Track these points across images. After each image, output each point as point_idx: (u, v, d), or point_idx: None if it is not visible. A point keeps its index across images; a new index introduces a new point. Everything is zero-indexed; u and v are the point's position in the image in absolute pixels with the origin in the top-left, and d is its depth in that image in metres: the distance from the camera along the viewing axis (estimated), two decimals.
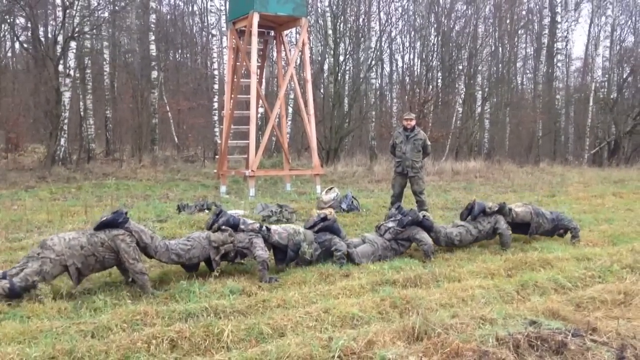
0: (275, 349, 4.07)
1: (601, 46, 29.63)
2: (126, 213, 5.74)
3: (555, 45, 28.89)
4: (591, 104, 28.05)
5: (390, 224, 7.43)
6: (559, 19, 28.65)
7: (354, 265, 6.80)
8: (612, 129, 27.84)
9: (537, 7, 32.04)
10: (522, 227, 8.28)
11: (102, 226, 5.59)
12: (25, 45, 23.62)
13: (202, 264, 6.37)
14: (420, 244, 7.29)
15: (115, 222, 5.58)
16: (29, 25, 21.01)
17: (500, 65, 30.04)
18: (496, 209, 7.96)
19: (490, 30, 29.59)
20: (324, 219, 7.08)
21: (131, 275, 5.59)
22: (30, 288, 5.23)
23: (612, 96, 28.87)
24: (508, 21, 29.87)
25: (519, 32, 31.86)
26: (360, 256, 6.98)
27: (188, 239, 6.18)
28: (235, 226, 6.34)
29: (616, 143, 27.39)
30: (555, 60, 29.01)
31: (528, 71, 35.48)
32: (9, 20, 21.74)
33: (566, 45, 29.97)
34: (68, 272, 5.41)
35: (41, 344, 4.18)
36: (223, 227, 6.30)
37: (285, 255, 6.61)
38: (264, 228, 6.45)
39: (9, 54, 27.60)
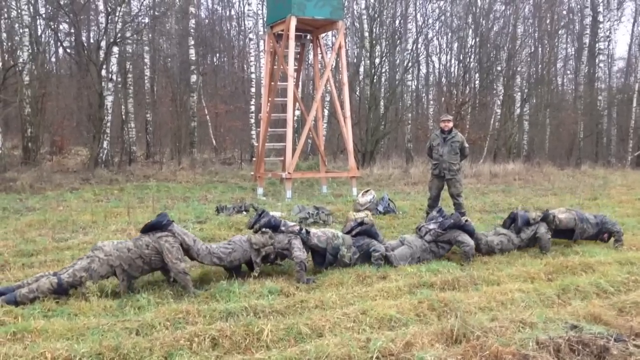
0: (314, 348, 4.13)
1: None
2: (169, 217, 5.91)
3: (597, 45, 28.23)
4: (634, 104, 27.33)
5: (432, 226, 7.40)
6: (600, 18, 28.00)
7: (391, 266, 6.81)
8: None
9: (578, 6, 31.43)
10: (566, 233, 8.15)
11: (147, 229, 5.80)
12: (68, 51, 24.35)
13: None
14: (462, 245, 7.24)
15: (159, 224, 5.79)
16: (73, 31, 21.69)
17: (540, 65, 29.54)
18: (539, 218, 7.86)
19: (530, 30, 29.11)
20: (361, 223, 7.13)
21: (173, 275, 5.73)
22: (77, 285, 5.42)
23: None
24: (548, 21, 29.34)
25: (560, 32, 31.28)
26: (398, 259, 6.99)
27: (229, 243, 6.33)
28: (276, 227, 6.44)
29: None
30: (597, 60, 28.35)
31: (569, 72, 34.81)
32: (53, 26, 22.38)
33: (608, 45, 29.26)
34: (115, 274, 5.59)
35: (88, 340, 4.33)
36: (263, 229, 6.41)
37: (324, 259, 6.67)
38: (303, 231, 6.52)
39: (53, 59, 28.45)
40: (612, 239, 8.21)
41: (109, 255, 5.54)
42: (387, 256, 6.97)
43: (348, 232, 7.05)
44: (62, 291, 5.38)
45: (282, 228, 6.45)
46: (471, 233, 7.42)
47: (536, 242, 7.88)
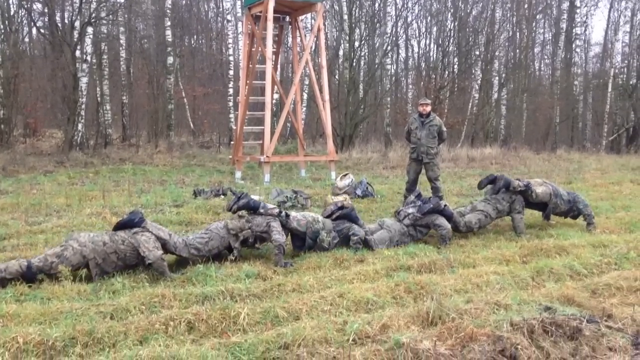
0: (291, 332, 4.13)
1: (621, 31, 29.16)
2: (142, 214, 5.90)
3: (573, 30, 28.45)
4: (610, 90, 27.65)
5: (411, 210, 7.44)
6: (577, 3, 28.19)
7: (369, 250, 6.83)
8: (631, 116, 27.46)
9: None
10: (539, 206, 8.29)
11: (119, 227, 5.75)
12: (42, 31, 23.78)
13: None
14: (439, 229, 7.30)
15: (132, 222, 5.75)
16: (46, 10, 21.12)
17: (517, 50, 29.67)
18: (521, 188, 7.93)
19: (508, 15, 29.22)
20: (341, 207, 7.12)
21: (152, 265, 5.61)
22: (47, 270, 5.34)
23: (631, 82, 28.43)
24: (526, 6, 29.47)
25: (537, 17, 31.43)
26: (377, 242, 7.02)
27: (206, 232, 6.28)
28: (255, 209, 6.40)
29: (634, 130, 27.01)
30: (573, 45, 28.60)
31: (546, 57, 35.09)
32: (26, 6, 21.82)
33: (585, 30, 29.54)
34: (88, 266, 5.52)
35: (61, 324, 4.27)
36: (239, 213, 6.36)
37: (303, 242, 6.67)
38: (282, 213, 6.49)
39: (27, 40, 27.79)
40: (585, 222, 8.33)
41: (83, 246, 5.47)
42: (366, 240, 6.99)
43: (328, 216, 7.04)
44: (30, 275, 5.28)
45: (261, 210, 6.41)
46: (449, 217, 7.48)
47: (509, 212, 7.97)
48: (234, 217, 6.47)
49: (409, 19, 29.59)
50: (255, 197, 6.83)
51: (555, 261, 6.33)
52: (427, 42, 33.38)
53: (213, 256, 6.28)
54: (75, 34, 17.93)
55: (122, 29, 23.55)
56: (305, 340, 4.05)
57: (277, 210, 6.50)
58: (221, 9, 31.65)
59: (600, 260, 6.42)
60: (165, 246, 5.84)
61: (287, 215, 6.54)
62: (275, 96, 18.82)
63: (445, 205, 7.54)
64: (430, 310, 4.52)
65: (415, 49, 34.21)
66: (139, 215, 5.81)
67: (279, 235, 6.21)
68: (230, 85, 23.62)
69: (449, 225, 7.35)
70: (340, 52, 24.64)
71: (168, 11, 23.23)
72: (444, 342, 3.99)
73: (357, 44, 23.67)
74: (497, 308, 4.77)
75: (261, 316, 4.57)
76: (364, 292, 5.08)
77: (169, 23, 22.90)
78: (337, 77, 24.15)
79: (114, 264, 5.61)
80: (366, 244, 7.00)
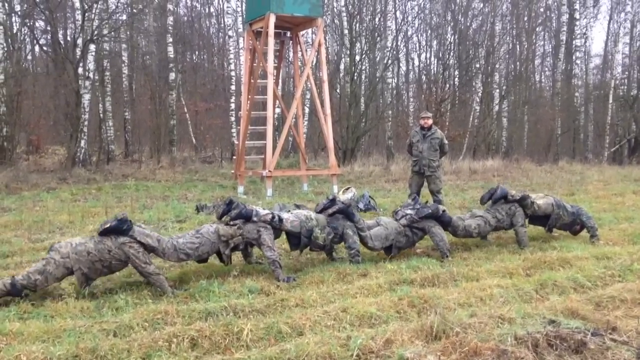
0: (294, 347, 4.12)
1: (621, 43, 29.26)
2: (130, 221, 5.73)
3: (573, 42, 28.55)
4: (611, 101, 27.68)
5: (409, 211, 7.43)
6: (577, 15, 28.31)
7: (371, 264, 6.81)
8: (633, 127, 27.46)
9: (555, 3, 31.70)
10: (542, 220, 8.23)
11: (106, 232, 5.62)
12: (45, 48, 23.98)
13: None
14: (434, 237, 7.27)
15: (119, 229, 5.59)
16: (49, 28, 21.34)
17: (518, 63, 29.78)
18: (518, 197, 7.90)
19: (508, 27, 29.35)
20: (332, 200, 7.11)
21: (146, 279, 5.65)
22: (32, 288, 5.32)
23: (632, 93, 28.47)
24: (526, 18, 29.60)
25: (537, 29, 31.56)
26: (374, 239, 7.02)
27: (197, 235, 6.21)
28: (248, 218, 6.39)
29: (636, 141, 27.00)
30: (574, 57, 28.67)
31: (546, 69, 35.17)
32: (28, 24, 22.04)
33: (585, 42, 29.56)
34: (73, 274, 5.50)
35: (65, 342, 4.26)
36: (231, 223, 6.37)
37: (299, 241, 6.66)
38: (275, 219, 6.49)
39: (29, 57, 27.98)
40: (589, 234, 8.30)
41: (65, 258, 5.43)
42: (362, 237, 6.99)
43: (320, 211, 7.02)
44: (15, 293, 5.28)
45: (255, 218, 6.40)
46: (447, 223, 7.46)
47: (512, 227, 7.92)
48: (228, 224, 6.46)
49: (410, 33, 29.82)
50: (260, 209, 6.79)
51: (558, 274, 6.31)
52: (428, 55, 33.60)
53: (203, 260, 6.38)
54: (78, 51, 18.07)
55: (124, 45, 23.71)
56: (308, 356, 4.04)
57: (270, 216, 6.48)
58: (223, 25, 31.84)
59: (604, 272, 6.39)
60: (153, 252, 5.83)
61: (281, 220, 6.54)
62: (277, 111, 18.91)
63: (443, 211, 7.51)
64: (434, 324, 4.50)
65: (416, 63, 34.40)
66: (126, 222, 5.61)
67: (269, 252, 6.22)
68: (232, 100, 23.72)
69: (445, 237, 7.32)
70: (341, 67, 24.74)
71: (170, 28, 23.42)
72: (449, 357, 3.98)
73: (357, 58, 23.78)
74: (501, 322, 4.75)
75: (264, 332, 4.55)
76: (368, 307, 5.07)
77: (171, 39, 23.09)
78: (338, 91, 24.23)
79: (99, 271, 5.59)
80: (362, 241, 7.00)
